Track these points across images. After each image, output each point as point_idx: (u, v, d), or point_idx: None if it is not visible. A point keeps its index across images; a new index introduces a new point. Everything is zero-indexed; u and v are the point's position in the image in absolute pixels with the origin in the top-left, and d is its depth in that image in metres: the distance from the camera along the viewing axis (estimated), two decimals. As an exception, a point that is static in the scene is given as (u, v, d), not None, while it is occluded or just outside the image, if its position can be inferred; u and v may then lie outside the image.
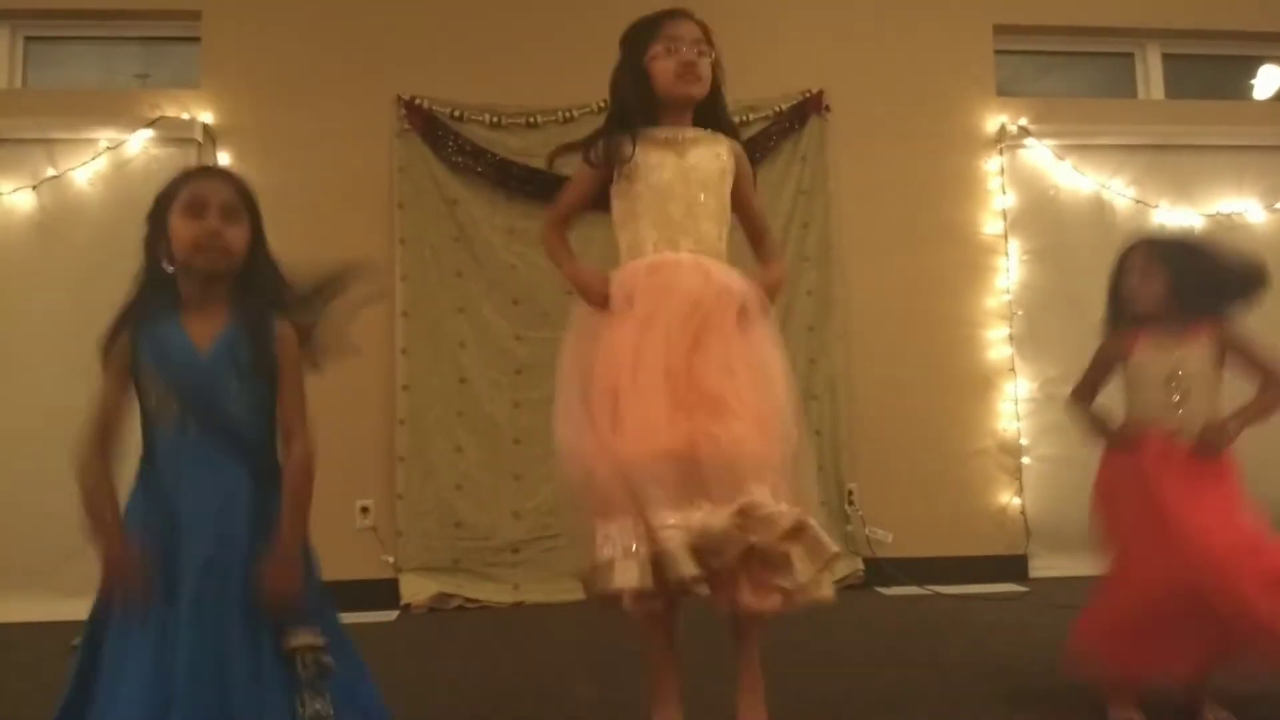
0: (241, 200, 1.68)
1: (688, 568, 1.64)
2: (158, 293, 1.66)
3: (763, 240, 2.13)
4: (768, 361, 1.88)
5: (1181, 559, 2.08)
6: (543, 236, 2.14)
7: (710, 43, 1.99)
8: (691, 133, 1.99)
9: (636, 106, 1.96)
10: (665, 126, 1.97)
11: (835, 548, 1.80)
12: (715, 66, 2.01)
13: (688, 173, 1.92)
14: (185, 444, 1.60)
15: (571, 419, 1.88)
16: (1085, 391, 2.41)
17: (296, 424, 1.68)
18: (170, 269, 1.65)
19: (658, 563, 1.67)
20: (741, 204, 2.06)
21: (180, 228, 1.63)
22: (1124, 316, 2.33)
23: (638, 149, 1.93)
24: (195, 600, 1.52)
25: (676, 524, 1.67)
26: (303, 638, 1.58)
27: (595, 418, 1.81)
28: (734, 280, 1.92)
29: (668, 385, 1.76)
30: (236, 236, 1.65)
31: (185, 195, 1.64)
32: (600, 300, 1.91)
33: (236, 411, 1.63)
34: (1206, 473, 2.19)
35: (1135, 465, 2.22)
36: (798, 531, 1.73)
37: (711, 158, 1.96)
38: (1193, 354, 2.22)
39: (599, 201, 2.04)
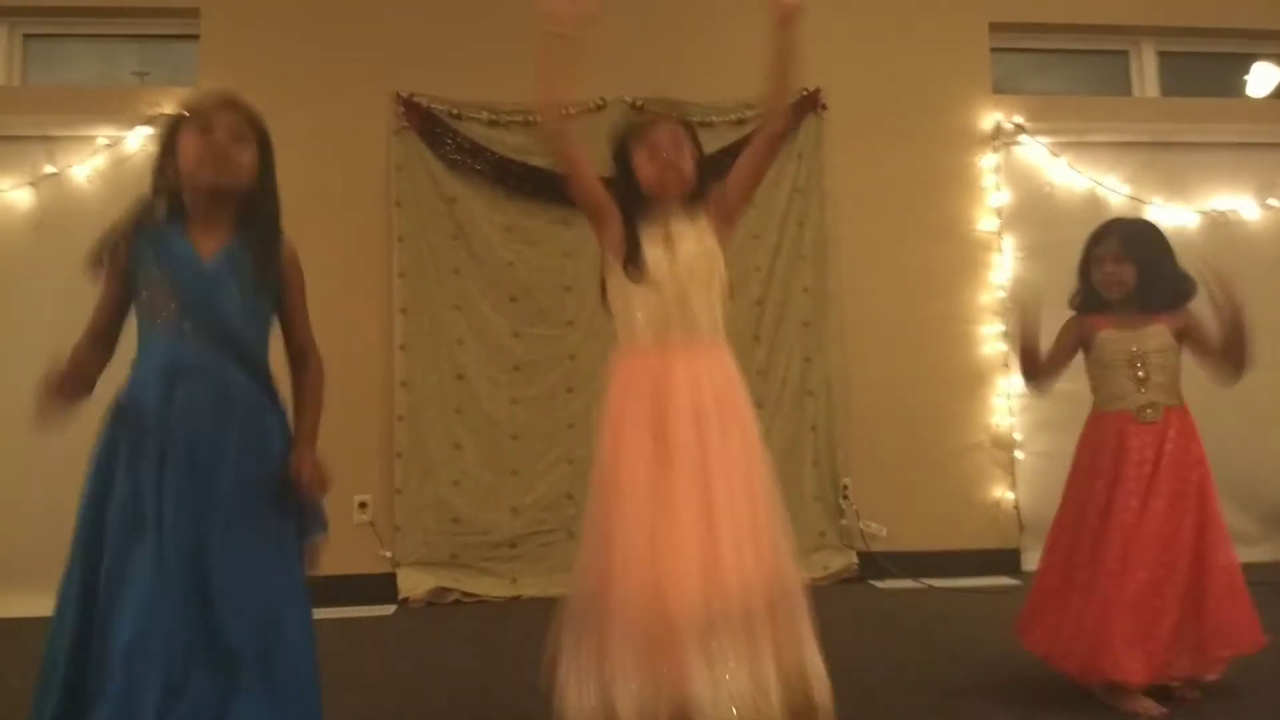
0: (250, 126, 1.72)
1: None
2: (163, 206, 1.70)
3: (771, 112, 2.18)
4: (765, 475, 1.96)
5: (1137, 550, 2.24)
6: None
7: (692, 139, 2.10)
8: (681, 227, 2.05)
9: (630, 201, 2.06)
10: (658, 219, 2.04)
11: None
12: (700, 153, 2.12)
13: (680, 271, 2.00)
14: (182, 345, 1.63)
15: (601, 530, 1.92)
16: (1044, 363, 2.51)
17: (308, 338, 1.78)
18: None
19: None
20: (747, 176, 2.14)
21: (188, 144, 1.66)
22: (1092, 300, 2.44)
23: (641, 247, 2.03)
24: (194, 489, 1.56)
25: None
26: (319, 536, 1.71)
27: (626, 548, 1.86)
28: (725, 383, 1.99)
29: (679, 523, 1.83)
30: (244, 156, 1.69)
31: (195, 115, 1.69)
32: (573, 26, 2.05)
33: (235, 319, 1.66)
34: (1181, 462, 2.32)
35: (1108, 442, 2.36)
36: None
37: (701, 253, 2.03)
38: (1154, 338, 2.37)
39: (577, 194, 2.10)
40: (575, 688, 1.84)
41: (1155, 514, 2.27)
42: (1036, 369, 2.50)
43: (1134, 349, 2.37)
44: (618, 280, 2.03)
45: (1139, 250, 2.41)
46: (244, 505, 1.61)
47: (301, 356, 1.78)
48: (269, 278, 1.70)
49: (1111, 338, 2.40)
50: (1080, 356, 2.52)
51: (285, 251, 1.75)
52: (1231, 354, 2.35)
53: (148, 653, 1.50)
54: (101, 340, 1.70)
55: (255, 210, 1.72)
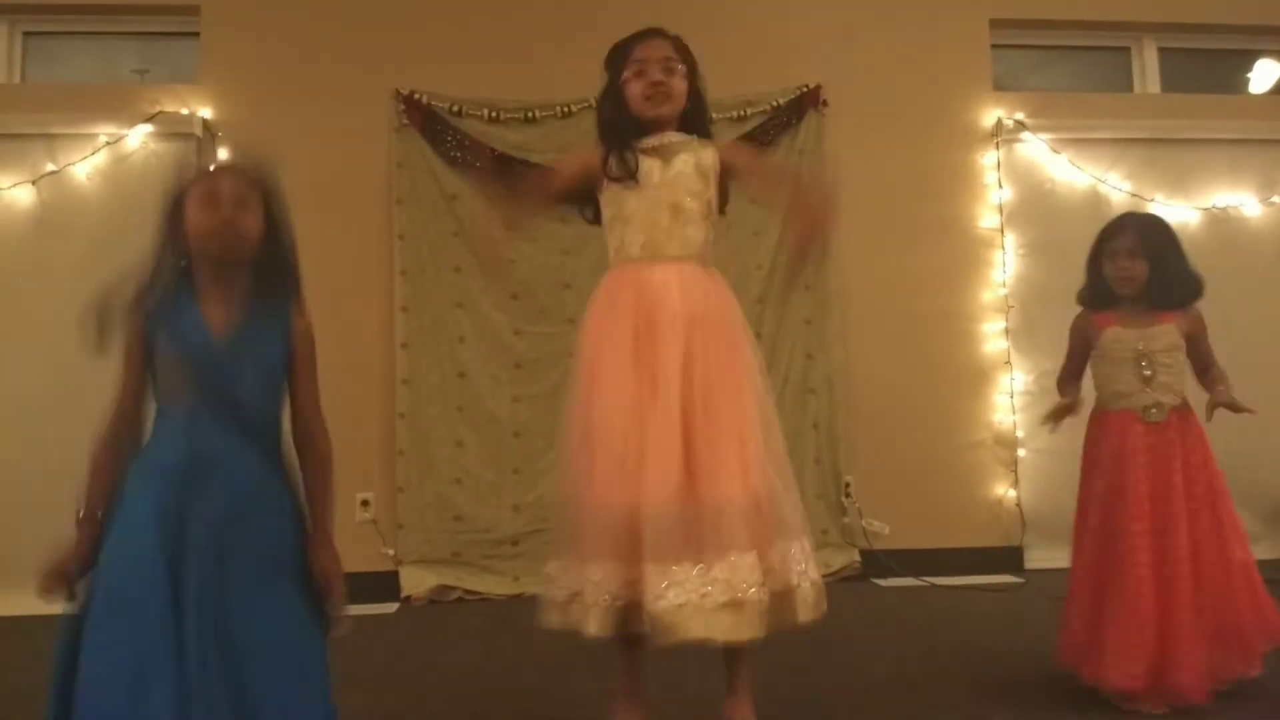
0: (253, 190, 1.70)
1: (686, 633, 1.74)
2: (172, 279, 1.66)
3: (783, 180, 2.18)
4: (755, 388, 1.95)
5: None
6: (515, 203, 2.18)
7: (684, 56, 2.04)
8: (678, 139, 2.04)
9: (620, 126, 2.04)
10: (652, 135, 2.03)
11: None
12: (694, 74, 2.07)
13: (673, 179, 1.98)
14: (197, 425, 1.60)
15: (577, 447, 1.94)
16: (1069, 375, 2.51)
17: (316, 418, 1.73)
18: (184, 261, 1.67)
19: (635, 613, 1.78)
20: (750, 178, 2.12)
21: (194, 217, 1.65)
22: (1102, 295, 2.43)
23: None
24: (215, 568, 1.52)
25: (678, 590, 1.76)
26: (341, 628, 1.70)
27: (599, 458, 1.87)
28: (718, 300, 1.98)
29: (666, 427, 1.84)
30: (250, 225, 1.67)
31: (200, 188, 1.67)
32: (496, 270, 2.10)
33: (249, 397, 1.64)
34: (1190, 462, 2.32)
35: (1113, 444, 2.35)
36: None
37: (696, 163, 2.01)
38: (1161, 337, 2.35)
39: (572, 197, 2.11)
40: (555, 581, 1.89)
41: (1164, 514, 2.25)
42: (1065, 388, 2.56)
43: (1140, 347, 2.35)
44: (610, 192, 2.01)
45: (1153, 246, 2.37)
46: (264, 588, 1.58)
47: (309, 437, 1.72)
48: (281, 350, 1.68)
49: (1118, 335, 2.38)
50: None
51: (300, 324, 1.71)
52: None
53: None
54: (127, 432, 1.67)
55: (265, 276, 1.70)
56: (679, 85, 2.01)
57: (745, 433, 1.87)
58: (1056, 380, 2.59)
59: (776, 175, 2.15)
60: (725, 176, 2.06)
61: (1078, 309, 2.55)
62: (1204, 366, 2.44)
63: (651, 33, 2.07)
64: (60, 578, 1.55)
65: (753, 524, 1.82)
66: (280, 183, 1.76)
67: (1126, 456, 2.31)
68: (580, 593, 1.84)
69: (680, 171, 1.99)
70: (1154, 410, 2.33)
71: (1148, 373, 2.34)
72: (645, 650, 1.95)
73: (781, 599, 1.84)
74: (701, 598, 1.74)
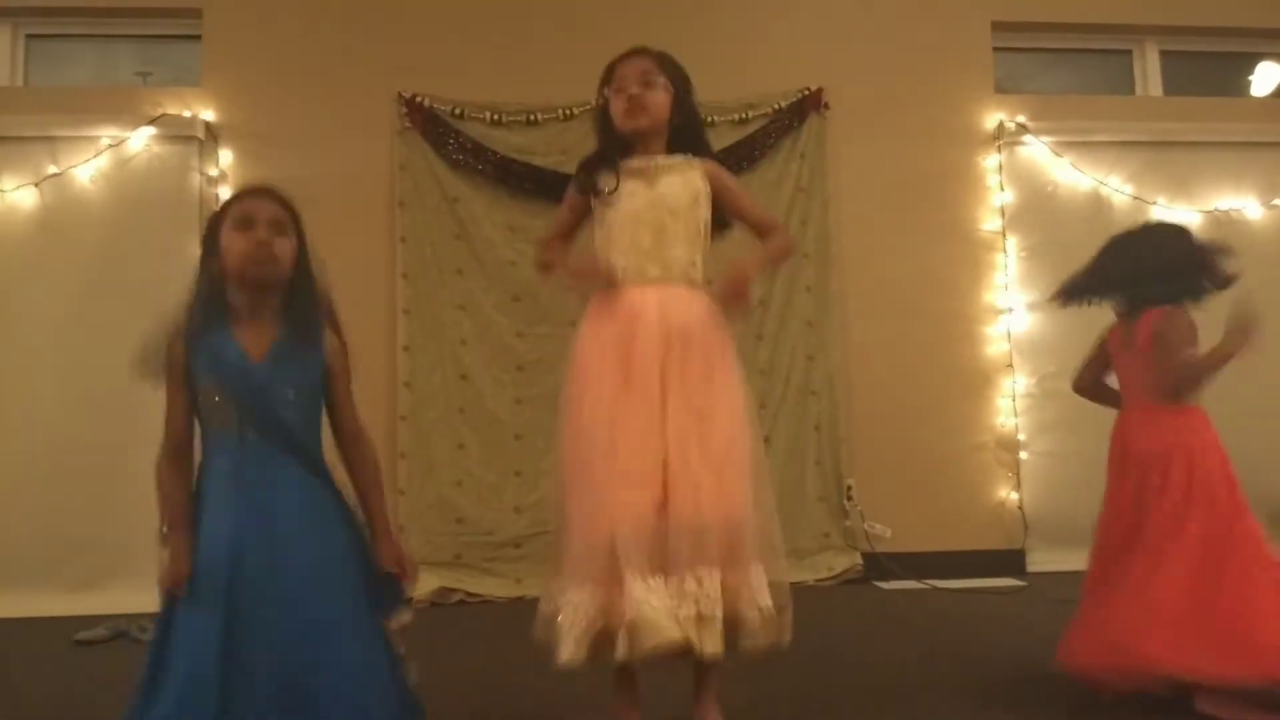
0: (288, 215, 1.75)
1: (669, 634, 1.76)
2: (209, 308, 1.72)
3: (770, 235, 2.13)
4: (731, 406, 1.95)
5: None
6: (536, 260, 2.21)
7: (667, 70, 2.04)
8: (664, 160, 2.04)
9: (609, 143, 2.06)
10: (639, 156, 2.03)
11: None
12: (680, 88, 2.06)
13: (657, 201, 1.98)
14: (245, 447, 1.68)
15: (564, 469, 1.96)
16: (1089, 377, 2.49)
17: (357, 423, 1.82)
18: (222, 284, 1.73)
19: (628, 633, 1.77)
20: (735, 214, 2.11)
21: (232, 241, 1.70)
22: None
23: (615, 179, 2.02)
24: (273, 589, 1.61)
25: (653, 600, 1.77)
26: (404, 616, 1.82)
27: (582, 481, 1.90)
28: (698, 317, 1.97)
29: (642, 446, 1.86)
30: (285, 248, 1.72)
31: (236, 211, 1.73)
32: (605, 277, 1.98)
33: (291, 416, 1.70)
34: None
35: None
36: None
37: (682, 184, 2.01)
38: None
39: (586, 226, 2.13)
40: (546, 598, 1.92)
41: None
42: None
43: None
44: (598, 213, 2.03)
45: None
46: (320, 600, 1.66)
47: (354, 441, 1.81)
48: (318, 367, 1.76)
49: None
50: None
51: (334, 342, 1.80)
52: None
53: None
54: (183, 453, 1.74)
55: (297, 299, 1.76)
56: (656, 97, 2.00)
57: (721, 453, 1.88)
58: (1075, 383, 2.54)
59: (766, 222, 2.12)
60: (718, 196, 2.06)
61: (1079, 311, 2.56)
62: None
63: (633, 51, 2.08)
64: (180, 579, 1.62)
65: (722, 544, 1.84)
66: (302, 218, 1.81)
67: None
68: (558, 614, 1.85)
69: (664, 193, 1.99)
70: None
71: None
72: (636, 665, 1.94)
73: (730, 624, 1.84)
74: (677, 607, 1.78)
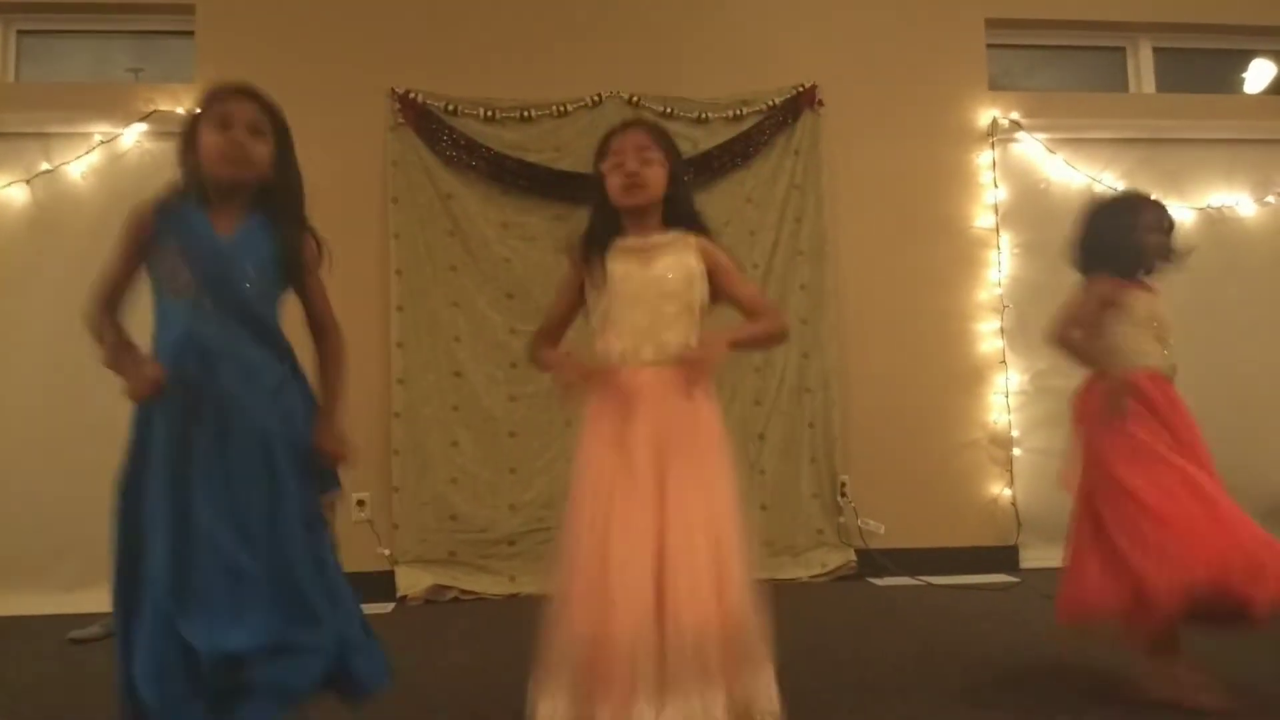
0: (267, 118, 1.81)
1: None
2: (185, 190, 1.78)
3: (759, 317, 2.06)
4: (725, 497, 1.88)
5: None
6: (530, 356, 2.16)
7: (661, 144, 2.00)
8: (660, 239, 2.00)
9: (603, 219, 2.02)
10: (633, 236, 2.00)
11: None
12: (674, 161, 2.02)
13: (652, 283, 1.94)
14: (200, 320, 1.70)
15: (562, 559, 1.87)
16: (1070, 328, 2.53)
17: (329, 316, 1.91)
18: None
19: None
20: (728, 295, 2.04)
21: (208, 140, 1.75)
22: (1131, 265, 2.49)
23: (608, 260, 1.98)
24: (224, 454, 1.67)
25: None
26: (335, 494, 1.90)
27: (574, 579, 1.82)
28: (685, 407, 1.89)
29: (635, 550, 1.77)
30: (261, 151, 1.77)
31: (215, 111, 1.76)
32: (594, 377, 1.95)
33: (250, 295, 1.74)
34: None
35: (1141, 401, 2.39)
36: None
37: (677, 264, 1.97)
38: (1161, 302, 2.49)
39: (577, 312, 2.09)
40: (531, 696, 1.82)
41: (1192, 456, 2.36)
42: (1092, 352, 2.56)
43: (1155, 313, 2.47)
44: (593, 296, 1.99)
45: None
46: (270, 472, 1.70)
47: (321, 330, 1.90)
48: (286, 255, 1.79)
49: (1142, 298, 2.48)
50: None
51: (304, 237, 1.84)
52: None
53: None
54: (115, 303, 1.79)
55: (273, 195, 1.81)
56: (653, 173, 1.96)
57: (721, 550, 1.80)
58: (1067, 340, 2.52)
59: (758, 306, 2.06)
60: (711, 275, 2.01)
61: None
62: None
63: (629, 124, 2.05)
64: (151, 380, 1.66)
65: (725, 653, 1.74)
66: (287, 121, 1.87)
67: (1168, 408, 2.39)
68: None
69: (659, 275, 1.95)
70: (1172, 370, 2.45)
71: (1162, 335, 2.46)
72: None
73: None
74: None
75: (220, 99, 1.78)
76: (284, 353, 1.80)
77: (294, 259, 1.80)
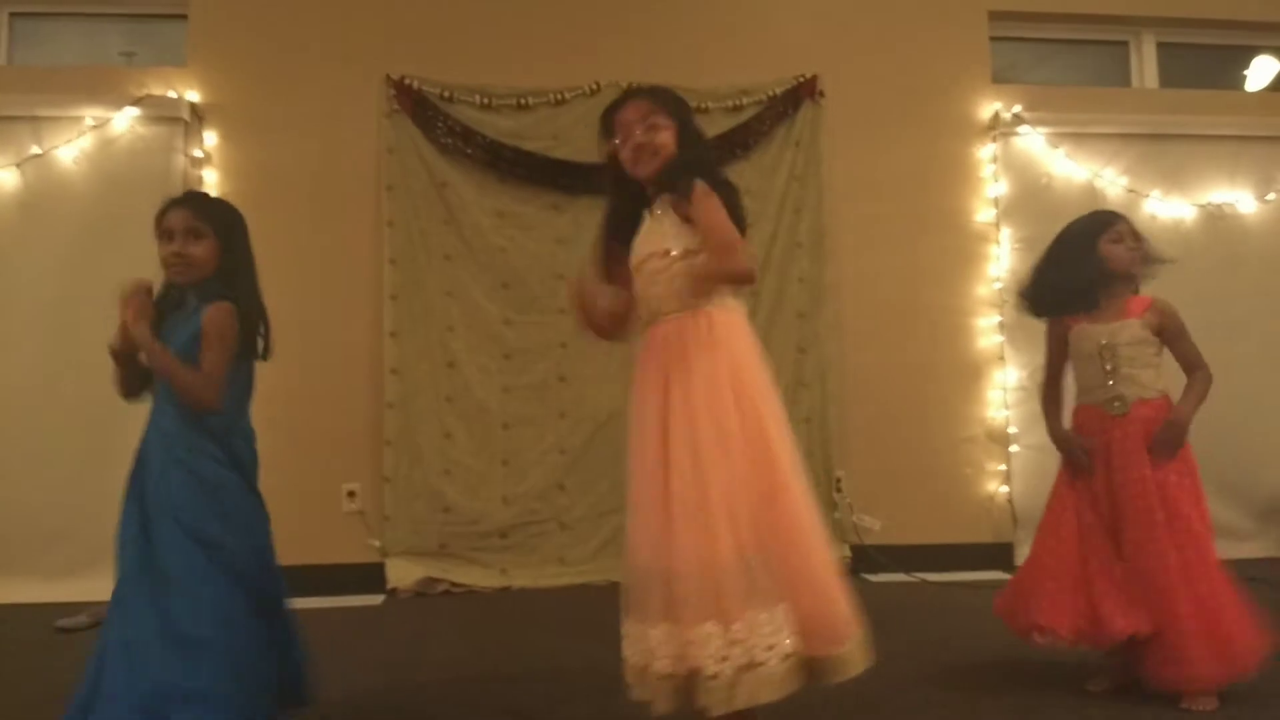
0: (203, 218, 2.00)
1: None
2: (165, 291, 2.05)
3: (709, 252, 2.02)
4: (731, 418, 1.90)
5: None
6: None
7: (667, 105, 2.00)
8: (658, 208, 2.01)
9: (625, 196, 2.05)
10: (657, 203, 2.01)
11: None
12: (682, 116, 2.02)
13: (660, 243, 1.97)
14: (159, 391, 2.00)
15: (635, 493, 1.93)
16: (1052, 381, 2.55)
17: (203, 379, 1.99)
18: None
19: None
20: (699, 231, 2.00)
21: (159, 253, 2.01)
22: (1076, 297, 2.43)
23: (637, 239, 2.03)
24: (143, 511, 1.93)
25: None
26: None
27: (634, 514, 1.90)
28: (702, 351, 1.91)
29: (648, 487, 1.85)
30: (199, 251, 1.99)
31: (159, 226, 2.01)
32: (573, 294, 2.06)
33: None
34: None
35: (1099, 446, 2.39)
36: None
37: (674, 224, 1.96)
38: (1125, 331, 2.36)
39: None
40: (628, 642, 1.88)
41: (1109, 505, 2.36)
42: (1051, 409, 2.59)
43: (1104, 341, 2.37)
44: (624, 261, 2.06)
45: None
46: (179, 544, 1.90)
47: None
48: (191, 329, 1.96)
49: (1085, 331, 2.41)
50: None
51: (213, 311, 1.96)
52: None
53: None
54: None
55: (217, 289, 1.99)
56: (662, 138, 1.97)
57: (729, 486, 1.82)
58: (1043, 389, 2.58)
59: (706, 236, 2.03)
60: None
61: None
62: (1186, 367, 2.40)
63: (628, 95, 2.05)
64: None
65: (724, 589, 1.75)
66: (238, 214, 2.07)
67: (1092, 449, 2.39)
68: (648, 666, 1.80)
69: (665, 233, 1.96)
70: (1116, 404, 2.35)
71: (1109, 367, 2.36)
72: None
73: (743, 673, 1.75)
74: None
75: (162, 214, 2.01)
76: (191, 422, 1.95)
77: (194, 331, 1.97)
